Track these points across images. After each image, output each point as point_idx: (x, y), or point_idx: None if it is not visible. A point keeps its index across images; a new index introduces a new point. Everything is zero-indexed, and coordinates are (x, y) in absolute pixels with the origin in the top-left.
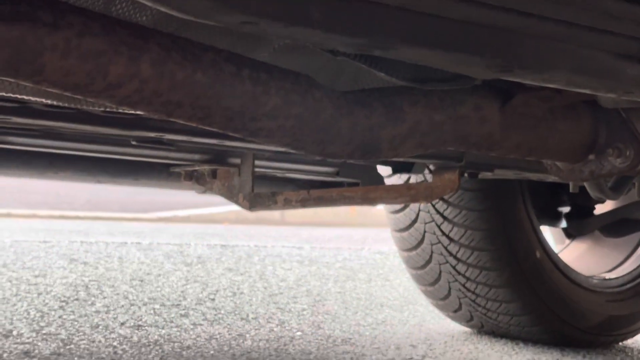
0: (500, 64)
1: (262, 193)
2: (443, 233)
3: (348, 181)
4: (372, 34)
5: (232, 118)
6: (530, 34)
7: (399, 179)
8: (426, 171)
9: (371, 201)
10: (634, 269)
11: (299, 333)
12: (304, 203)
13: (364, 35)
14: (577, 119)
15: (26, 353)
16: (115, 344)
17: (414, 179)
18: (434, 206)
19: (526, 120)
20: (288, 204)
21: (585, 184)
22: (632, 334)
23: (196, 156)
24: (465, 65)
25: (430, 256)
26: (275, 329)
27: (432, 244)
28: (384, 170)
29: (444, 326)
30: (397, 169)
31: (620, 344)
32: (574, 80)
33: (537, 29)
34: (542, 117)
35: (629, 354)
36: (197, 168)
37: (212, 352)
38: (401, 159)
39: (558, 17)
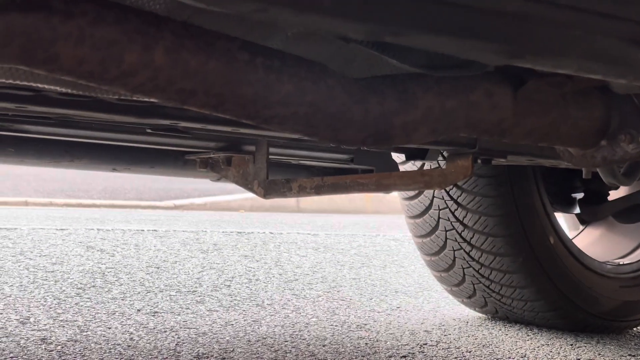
0: (511, 50)
1: (277, 180)
2: (457, 219)
3: (362, 168)
4: (382, 20)
5: (246, 105)
6: (541, 20)
7: (412, 166)
8: (440, 158)
9: (385, 188)
10: None
11: (314, 319)
12: (319, 190)
13: (374, 22)
14: (589, 105)
15: (43, 340)
16: (131, 330)
17: (428, 165)
18: (448, 193)
19: (538, 107)
20: (302, 191)
21: (598, 170)
22: None
23: (211, 144)
24: (477, 51)
25: (445, 242)
26: (290, 315)
27: (446, 230)
28: (398, 156)
29: (458, 312)
30: (411, 155)
31: (634, 329)
32: (584, 66)
33: (548, 15)
34: (554, 103)
35: None
36: (212, 155)
37: (227, 338)
38: (415, 146)
39: (568, 3)
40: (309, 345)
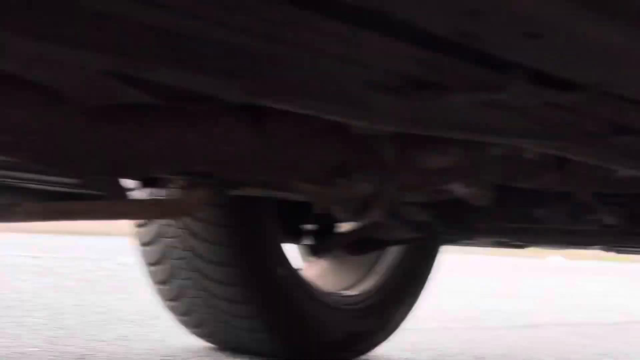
0: (254, 89)
1: (1, 205)
2: (188, 248)
3: (94, 193)
4: (124, 52)
5: None
6: (284, 61)
7: (149, 193)
8: (177, 186)
9: (117, 215)
10: (371, 287)
11: (32, 349)
12: (47, 216)
13: (116, 54)
14: (328, 143)
15: None
16: None
17: (164, 193)
18: (179, 221)
19: (278, 143)
20: (30, 216)
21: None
22: (369, 349)
23: None
24: (221, 88)
25: (174, 271)
26: (7, 344)
27: (176, 259)
28: (132, 182)
29: (187, 342)
30: (147, 182)
31: (358, 358)
32: (326, 108)
33: (289, 56)
34: (294, 140)
35: None
36: None
37: None
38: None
39: (311, 46)
40: None
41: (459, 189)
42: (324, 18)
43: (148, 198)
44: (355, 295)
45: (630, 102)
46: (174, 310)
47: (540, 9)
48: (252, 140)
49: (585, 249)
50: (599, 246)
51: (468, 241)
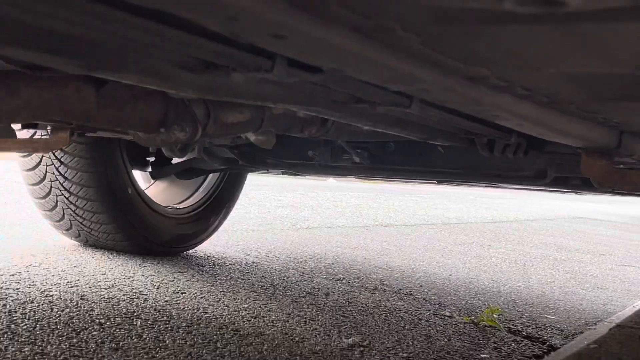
0: (88, 64)
1: None
2: (60, 173)
3: None
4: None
5: None
6: (110, 43)
7: (27, 133)
8: (49, 127)
9: (6, 149)
10: (196, 202)
11: None
12: None
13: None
14: (153, 102)
15: None
16: None
17: (39, 133)
18: (54, 153)
19: (115, 101)
20: None
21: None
22: (193, 246)
23: None
24: (61, 63)
25: (50, 189)
26: None
27: (51, 181)
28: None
29: (59, 241)
30: (27, 125)
31: (184, 253)
32: (143, 80)
33: (112, 42)
34: (127, 99)
35: (189, 260)
36: None
37: None
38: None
39: (126, 35)
40: None
41: (251, 136)
42: (133, 15)
43: (27, 138)
44: (184, 208)
45: (362, 82)
46: (49, 218)
47: (284, 17)
48: (95, 98)
49: (344, 177)
50: (353, 176)
51: (265, 170)
